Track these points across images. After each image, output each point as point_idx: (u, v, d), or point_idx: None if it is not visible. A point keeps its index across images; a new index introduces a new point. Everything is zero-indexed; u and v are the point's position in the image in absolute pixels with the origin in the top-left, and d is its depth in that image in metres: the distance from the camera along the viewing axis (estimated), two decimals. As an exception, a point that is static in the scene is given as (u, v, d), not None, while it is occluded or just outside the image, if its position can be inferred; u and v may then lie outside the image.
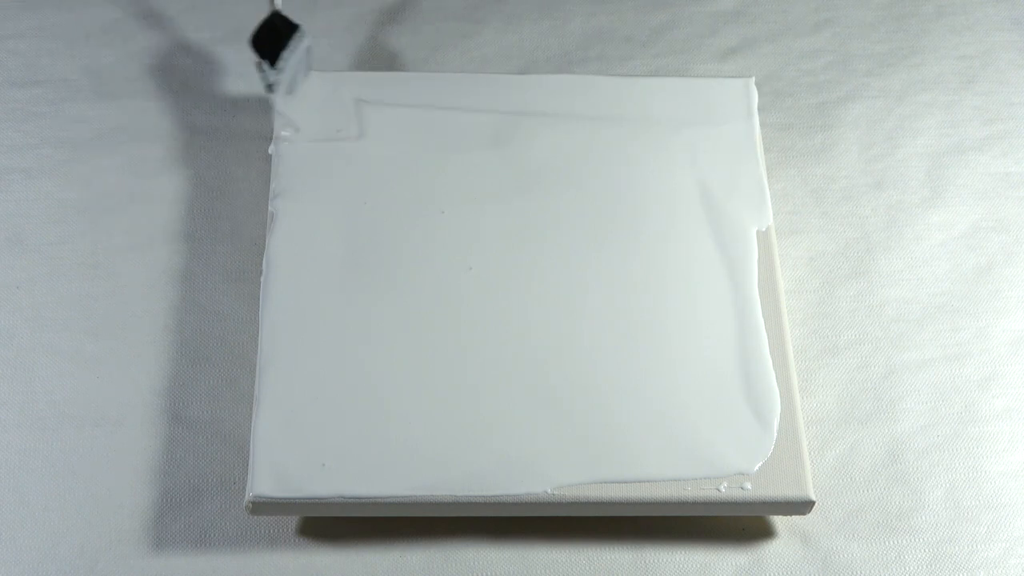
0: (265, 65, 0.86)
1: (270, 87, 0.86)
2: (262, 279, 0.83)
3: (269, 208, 0.86)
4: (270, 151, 0.88)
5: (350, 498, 0.76)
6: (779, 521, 0.81)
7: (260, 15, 0.88)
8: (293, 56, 0.87)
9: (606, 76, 0.93)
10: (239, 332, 0.85)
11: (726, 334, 0.82)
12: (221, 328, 0.85)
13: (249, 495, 0.76)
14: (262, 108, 0.94)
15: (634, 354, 0.81)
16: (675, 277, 0.84)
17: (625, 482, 0.77)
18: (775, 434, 0.79)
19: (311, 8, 0.99)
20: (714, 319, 0.83)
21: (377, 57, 0.98)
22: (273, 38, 0.87)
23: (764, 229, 0.86)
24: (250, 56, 0.87)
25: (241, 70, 0.96)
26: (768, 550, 0.80)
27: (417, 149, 0.88)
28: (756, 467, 0.78)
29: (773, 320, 0.83)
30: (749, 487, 0.77)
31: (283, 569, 0.78)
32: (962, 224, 0.92)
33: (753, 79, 0.93)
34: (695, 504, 0.78)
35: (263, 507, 0.77)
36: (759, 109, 0.92)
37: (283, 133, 0.88)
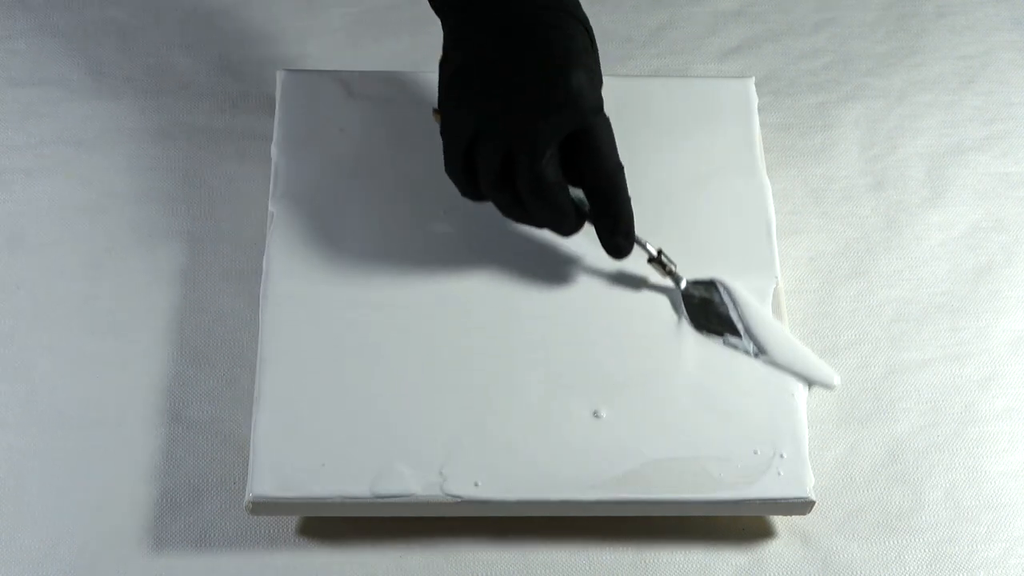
0: (731, 338, 0.82)
1: (757, 354, 0.81)
2: (262, 279, 0.83)
3: (269, 208, 0.86)
4: (271, 152, 0.88)
5: (350, 498, 0.76)
6: (779, 521, 0.81)
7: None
8: (739, 311, 0.83)
9: (606, 76, 0.93)
10: (239, 332, 0.85)
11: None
12: (221, 328, 0.85)
13: (249, 495, 0.76)
14: (262, 108, 0.94)
15: (638, 358, 0.81)
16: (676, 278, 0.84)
17: (626, 498, 0.77)
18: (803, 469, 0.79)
19: (311, 8, 0.99)
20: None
21: (377, 57, 0.98)
22: (706, 307, 0.83)
23: (764, 230, 0.86)
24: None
25: (241, 70, 0.96)
26: (768, 550, 0.80)
27: (417, 149, 0.88)
28: (760, 489, 0.78)
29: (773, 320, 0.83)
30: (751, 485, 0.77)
31: (283, 569, 0.78)
32: (962, 224, 0.92)
33: (753, 79, 0.93)
34: (695, 504, 0.78)
35: (263, 507, 0.77)
36: (759, 109, 0.92)
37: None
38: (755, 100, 0.92)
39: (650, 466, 0.78)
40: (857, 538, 0.81)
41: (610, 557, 0.79)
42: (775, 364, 0.81)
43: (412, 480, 0.77)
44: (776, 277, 0.84)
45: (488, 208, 0.86)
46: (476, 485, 0.77)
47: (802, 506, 0.78)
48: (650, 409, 0.80)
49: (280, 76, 0.90)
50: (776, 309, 0.83)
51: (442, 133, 0.79)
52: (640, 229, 0.86)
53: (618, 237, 0.80)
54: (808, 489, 0.78)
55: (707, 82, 0.93)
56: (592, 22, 1.00)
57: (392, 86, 0.90)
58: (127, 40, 0.97)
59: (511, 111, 0.76)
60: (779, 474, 0.78)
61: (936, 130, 0.96)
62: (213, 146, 0.92)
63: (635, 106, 0.91)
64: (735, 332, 0.82)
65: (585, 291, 0.83)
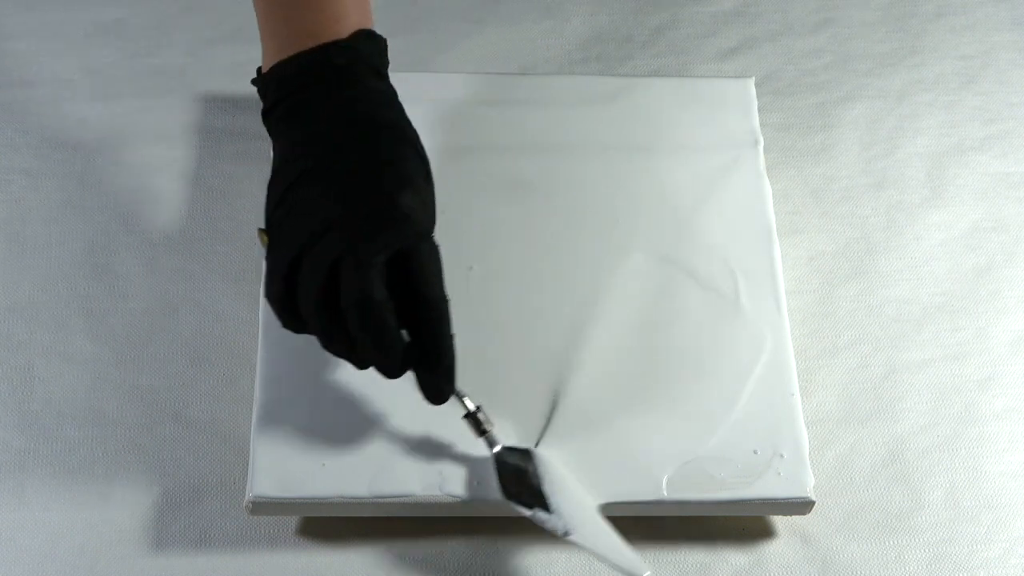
0: (541, 514, 0.75)
1: (566, 534, 0.75)
2: (262, 279, 0.83)
3: (269, 208, 0.86)
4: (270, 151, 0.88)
5: (350, 498, 0.76)
6: (779, 521, 0.81)
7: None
8: (553, 485, 0.76)
9: (606, 76, 0.93)
10: (239, 332, 0.85)
11: (736, 336, 0.82)
12: (221, 328, 0.85)
13: (249, 495, 0.76)
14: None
15: (638, 358, 0.81)
16: (675, 277, 0.84)
17: (626, 499, 0.77)
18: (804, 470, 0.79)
19: (311, 8, 0.99)
20: (717, 320, 0.83)
21: (377, 57, 0.98)
22: (519, 477, 0.76)
23: (764, 230, 0.86)
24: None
25: (241, 70, 0.96)
26: (768, 550, 0.80)
27: (417, 149, 0.88)
28: (761, 489, 0.78)
29: (773, 320, 0.83)
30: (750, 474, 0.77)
31: (283, 569, 0.78)
32: (962, 224, 0.92)
33: (753, 79, 0.93)
34: (695, 504, 0.78)
35: (263, 507, 0.77)
36: (759, 109, 0.92)
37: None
38: (755, 100, 0.92)
39: (650, 467, 0.78)
40: (857, 538, 0.81)
41: (610, 557, 0.79)
42: (581, 546, 0.74)
43: (412, 480, 0.77)
44: (777, 277, 0.84)
45: (487, 208, 0.86)
46: (476, 485, 0.77)
47: (802, 506, 0.78)
48: (649, 410, 0.80)
49: (280, 76, 0.90)
50: (777, 309, 0.83)
51: (266, 256, 0.73)
52: (641, 229, 0.86)
53: (439, 376, 0.73)
54: (808, 489, 0.78)
55: (707, 82, 0.93)
56: (592, 22, 1.00)
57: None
58: (127, 40, 0.97)
59: (339, 228, 0.70)
60: (779, 474, 0.78)
61: (936, 130, 0.96)
62: (213, 146, 0.92)
63: (635, 106, 0.91)
64: (545, 507, 0.75)
65: (582, 294, 0.83)
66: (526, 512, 0.75)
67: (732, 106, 0.91)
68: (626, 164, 0.88)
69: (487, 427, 0.76)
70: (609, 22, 1.00)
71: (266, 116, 0.77)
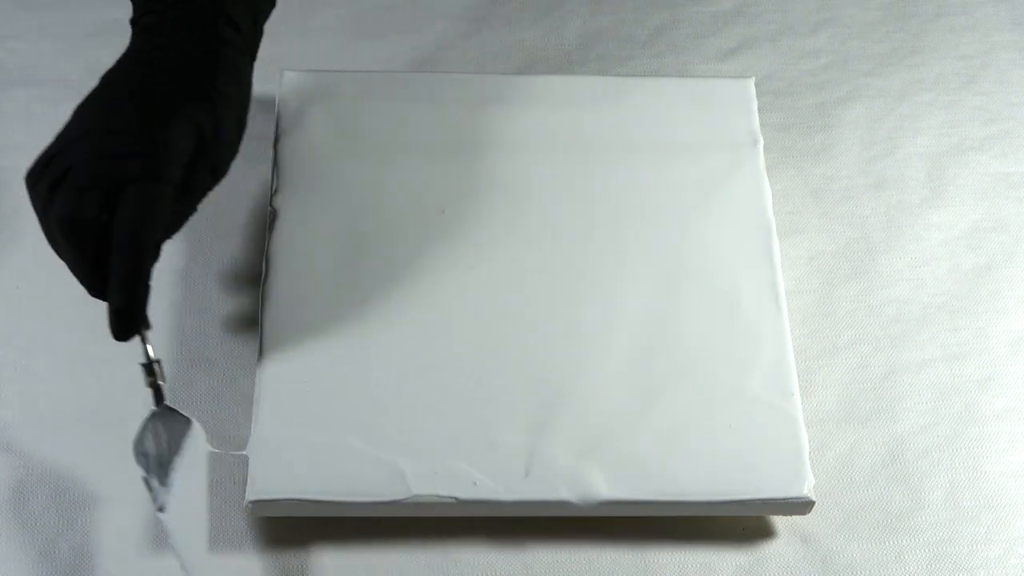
0: (153, 481, 0.73)
1: (160, 509, 0.72)
2: (262, 279, 0.83)
3: (269, 207, 0.86)
4: (271, 152, 0.88)
5: (350, 498, 0.76)
6: (779, 521, 0.81)
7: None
8: (184, 466, 0.74)
9: (606, 76, 0.93)
10: (239, 332, 0.85)
11: (736, 336, 0.82)
12: (221, 328, 0.85)
13: (249, 495, 0.76)
14: (262, 108, 0.94)
15: (639, 358, 0.81)
16: (675, 277, 0.84)
17: (627, 498, 0.77)
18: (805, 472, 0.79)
19: (311, 8, 0.99)
20: (717, 320, 0.83)
21: (378, 57, 0.98)
22: (159, 439, 0.74)
23: (764, 230, 0.86)
24: None
25: (241, 70, 0.96)
26: (768, 550, 0.80)
27: (417, 149, 0.88)
28: (766, 490, 0.78)
29: (773, 320, 0.83)
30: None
31: (283, 569, 0.78)
32: (962, 224, 0.92)
33: (753, 79, 0.93)
34: (695, 504, 0.78)
35: (263, 507, 0.77)
36: (759, 109, 0.92)
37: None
38: (755, 100, 0.92)
39: (650, 467, 0.78)
40: (857, 538, 0.81)
41: (610, 557, 0.79)
42: (164, 528, 0.72)
43: (412, 480, 0.77)
44: (777, 277, 0.84)
45: (487, 208, 0.86)
46: (475, 485, 0.77)
47: (802, 506, 0.78)
48: (649, 410, 0.80)
49: (280, 76, 0.90)
50: (777, 309, 0.83)
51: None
52: (641, 229, 0.86)
53: (112, 313, 0.71)
54: (808, 489, 0.78)
55: (707, 82, 0.93)
56: (592, 22, 1.00)
57: (392, 86, 0.90)
58: (127, 40, 0.97)
59: (89, 142, 0.70)
60: (779, 474, 0.78)
61: (936, 130, 0.97)
62: (213, 146, 0.92)
63: (635, 106, 0.91)
64: (161, 479, 0.73)
65: (582, 294, 0.83)
66: (143, 473, 0.73)
67: (732, 106, 0.91)
68: (626, 164, 0.88)
69: (159, 381, 0.74)
70: (609, 22, 1.00)
71: (132, 24, 0.79)
